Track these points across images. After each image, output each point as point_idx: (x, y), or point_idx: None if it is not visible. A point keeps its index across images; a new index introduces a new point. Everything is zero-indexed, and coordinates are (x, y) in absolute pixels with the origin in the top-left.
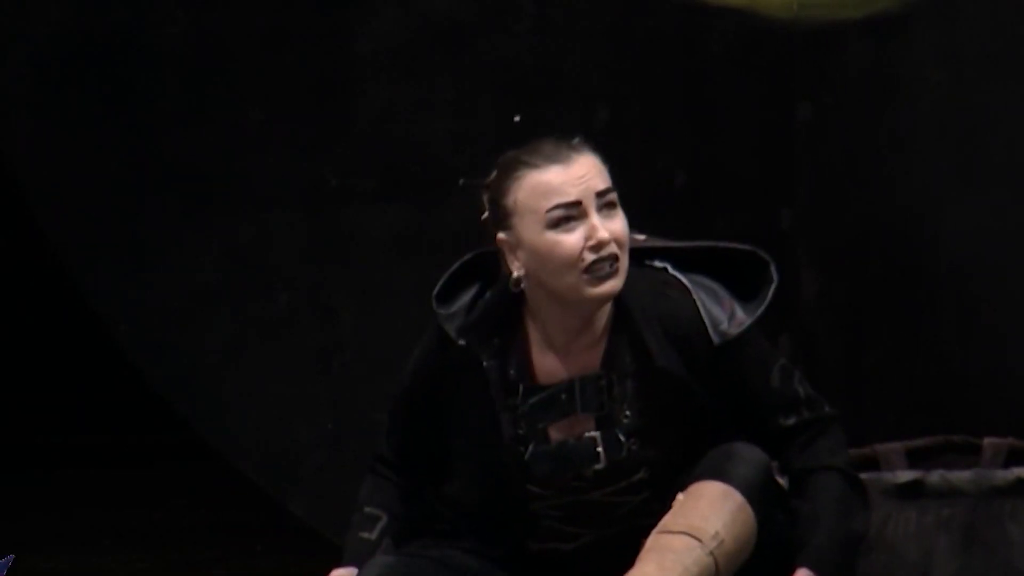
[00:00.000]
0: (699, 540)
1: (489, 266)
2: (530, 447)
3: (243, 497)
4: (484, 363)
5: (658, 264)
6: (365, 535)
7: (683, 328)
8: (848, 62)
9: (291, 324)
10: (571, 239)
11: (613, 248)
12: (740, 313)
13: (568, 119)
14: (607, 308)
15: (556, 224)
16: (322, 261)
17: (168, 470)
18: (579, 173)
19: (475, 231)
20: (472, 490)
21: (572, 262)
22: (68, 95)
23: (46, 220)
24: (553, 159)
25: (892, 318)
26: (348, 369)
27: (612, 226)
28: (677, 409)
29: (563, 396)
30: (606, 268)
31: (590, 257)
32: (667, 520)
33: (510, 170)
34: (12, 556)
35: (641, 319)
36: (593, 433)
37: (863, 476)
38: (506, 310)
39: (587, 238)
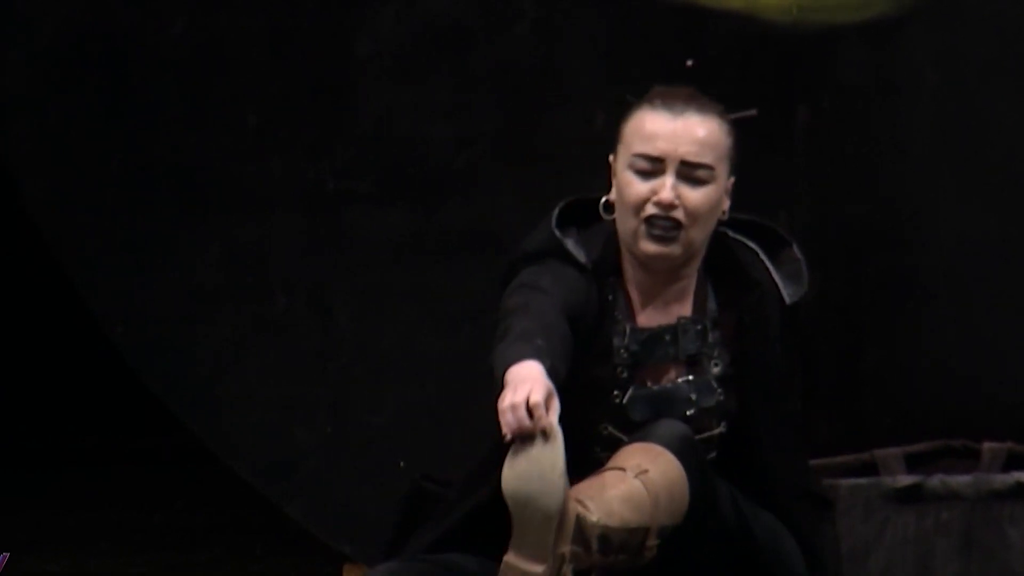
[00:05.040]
0: (622, 469)
1: (582, 214)
2: (629, 390)
3: (241, 499)
4: (609, 297)
5: (719, 229)
6: (535, 344)
7: (758, 286)
8: (846, 66)
9: (289, 326)
10: (640, 186)
11: (678, 214)
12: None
13: (566, 121)
14: (694, 269)
15: (635, 168)
16: (321, 263)
17: (167, 472)
18: (678, 132)
19: (474, 233)
20: None
21: (635, 208)
22: (68, 96)
23: (44, 221)
24: (669, 106)
25: (890, 321)
26: (346, 372)
27: (688, 194)
28: (758, 363)
29: (667, 337)
30: (660, 228)
31: (651, 210)
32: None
33: (643, 99)
34: (7, 554)
35: (724, 273)
36: (687, 377)
37: (862, 481)
38: (613, 255)
39: (653, 191)
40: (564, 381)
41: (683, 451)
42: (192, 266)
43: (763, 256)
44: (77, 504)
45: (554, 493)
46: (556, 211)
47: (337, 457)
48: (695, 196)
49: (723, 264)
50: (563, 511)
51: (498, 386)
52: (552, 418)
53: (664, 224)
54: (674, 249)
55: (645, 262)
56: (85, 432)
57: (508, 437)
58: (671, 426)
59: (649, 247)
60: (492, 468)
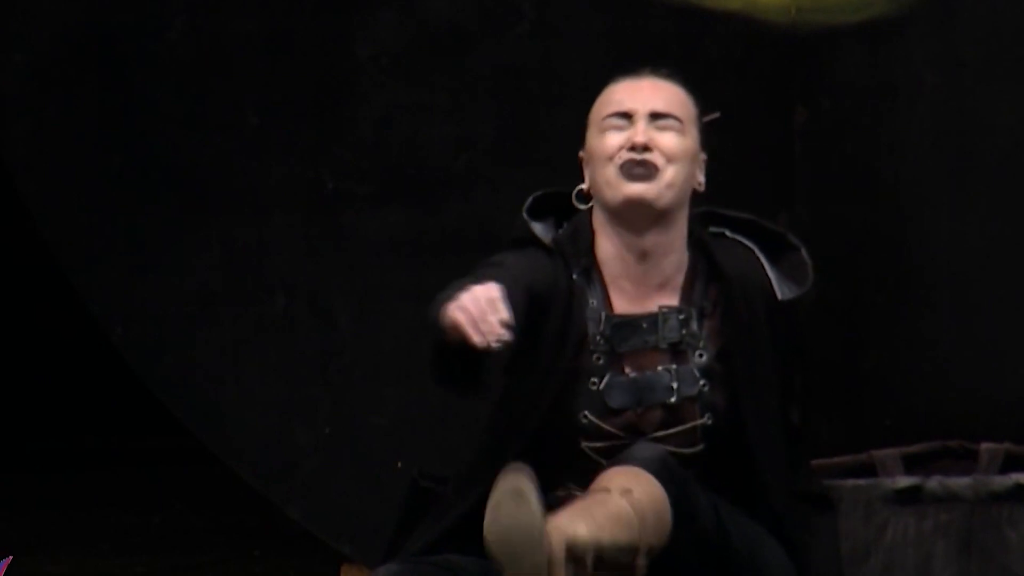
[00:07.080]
0: (607, 490)
1: (559, 204)
2: (605, 377)
3: (241, 500)
4: (574, 276)
5: (714, 229)
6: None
7: (751, 281)
8: (845, 67)
9: (289, 328)
10: (614, 138)
11: (653, 157)
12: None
13: (565, 122)
14: (677, 250)
15: (607, 129)
16: (320, 264)
17: (167, 473)
18: (643, 89)
19: (473, 233)
20: (526, 415)
21: (610, 156)
22: (67, 97)
23: (44, 223)
24: (632, 75)
25: (888, 323)
26: (346, 373)
27: (659, 137)
28: (743, 357)
29: (644, 325)
30: (638, 169)
31: (626, 156)
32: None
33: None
34: (10, 557)
35: (714, 265)
36: (670, 366)
37: (860, 482)
38: (585, 238)
39: (627, 139)
40: (543, 365)
41: (661, 472)
42: (192, 267)
43: (759, 253)
44: (78, 505)
45: (537, 547)
46: (530, 199)
47: (337, 457)
48: (668, 138)
49: (710, 258)
50: (550, 555)
51: (434, 326)
52: (504, 314)
53: (636, 166)
54: (650, 188)
55: (623, 212)
56: (85, 433)
57: (475, 340)
58: (648, 449)
59: (626, 188)
60: (487, 464)
